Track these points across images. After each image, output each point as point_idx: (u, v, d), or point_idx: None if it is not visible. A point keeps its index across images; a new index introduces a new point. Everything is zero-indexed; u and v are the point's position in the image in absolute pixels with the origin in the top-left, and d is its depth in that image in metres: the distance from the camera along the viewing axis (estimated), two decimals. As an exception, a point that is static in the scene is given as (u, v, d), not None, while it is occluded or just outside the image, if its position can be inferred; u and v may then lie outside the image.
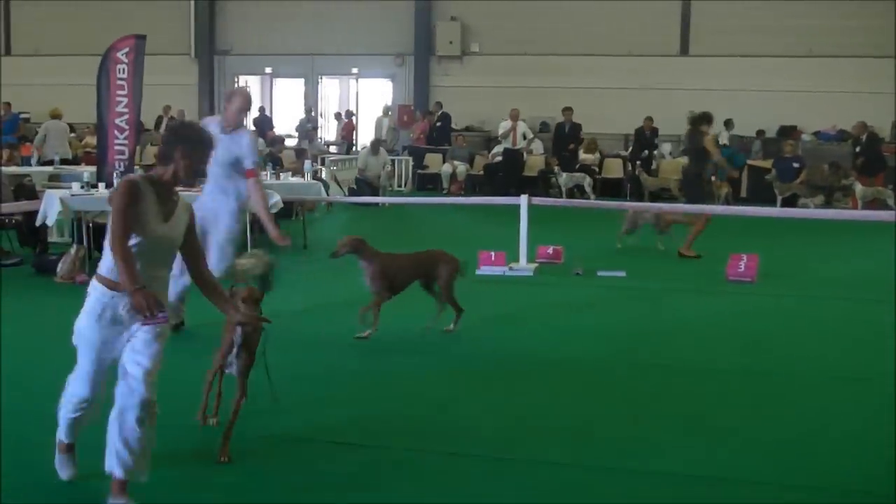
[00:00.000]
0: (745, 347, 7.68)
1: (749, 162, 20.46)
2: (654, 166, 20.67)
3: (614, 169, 21.38)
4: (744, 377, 6.77)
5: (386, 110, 24.52)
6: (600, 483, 4.73)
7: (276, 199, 11.30)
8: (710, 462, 5.03)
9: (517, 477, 4.78)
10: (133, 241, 4.04)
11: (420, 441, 5.22)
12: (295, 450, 5.07)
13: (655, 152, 21.11)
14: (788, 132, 21.33)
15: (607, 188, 20.57)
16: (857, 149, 19.27)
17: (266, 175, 13.17)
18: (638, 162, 20.48)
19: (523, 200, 11.31)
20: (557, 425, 5.61)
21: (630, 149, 21.58)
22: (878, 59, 21.81)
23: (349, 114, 25.59)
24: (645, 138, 21.07)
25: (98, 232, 11.52)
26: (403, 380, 6.51)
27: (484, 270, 10.66)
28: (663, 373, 6.80)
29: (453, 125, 23.21)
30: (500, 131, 20.87)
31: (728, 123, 21.22)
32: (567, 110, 20.91)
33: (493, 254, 10.83)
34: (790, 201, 18.66)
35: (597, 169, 21.06)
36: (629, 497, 4.60)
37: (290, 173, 14.80)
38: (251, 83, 27.20)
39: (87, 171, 12.39)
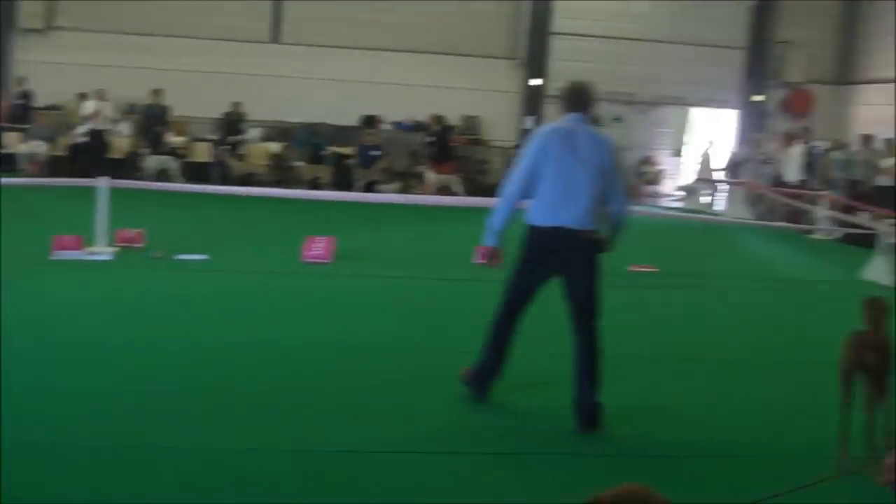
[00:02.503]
0: (329, 324, 8.25)
1: (331, 148, 21.35)
2: (242, 151, 21.00)
3: (202, 152, 21.40)
4: (339, 350, 7.29)
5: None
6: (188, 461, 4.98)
7: None
8: (312, 434, 5.45)
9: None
10: None
11: None
12: None
13: (242, 137, 21.43)
14: (370, 121, 22.51)
15: (195, 172, 20.54)
16: (431, 139, 20.86)
17: None
18: (226, 146, 20.70)
19: (102, 182, 11.17)
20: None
21: (219, 133, 21.72)
22: (454, 56, 23.69)
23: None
24: (231, 123, 21.33)
25: None
26: None
27: (59, 255, 10.44)
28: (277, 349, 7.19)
29: (36, 103, 22.00)
30: (85, 111, 20.20)
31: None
32: (156, 92, 20.65)
33: (68, 237, 10.63)
34: (369, 187, 19.77)
35: (185, 152, 20.99)
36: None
37: None
38: None
39: None
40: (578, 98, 5.98)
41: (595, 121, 6.07)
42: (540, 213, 5.83)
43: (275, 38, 23.91)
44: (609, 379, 5.89)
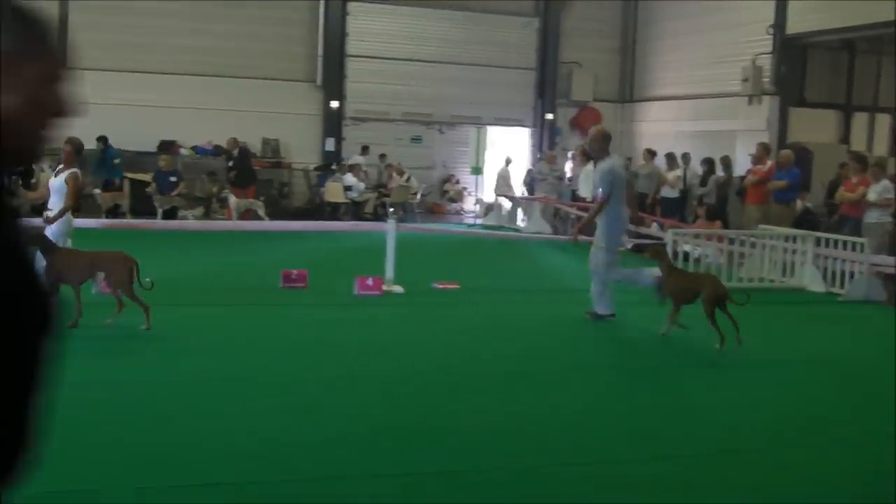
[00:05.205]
0: (163, 360, 8.05)
1: (128, 175, 20.81)
2: (33, 180, 20.17)
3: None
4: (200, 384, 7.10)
5: None
6: None
7: None
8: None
9: None
10: None
11: None
12: None
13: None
14: (168, 147, 22.07)
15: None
16: (231, 163, 20.64)
17: None
18: (14, 176, 19.81)
19: None
20: None
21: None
22: (253, 79, 23.55)
23: None
24: None
25: None
26: None
27: None
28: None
29: None
30: None
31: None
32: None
33: None
34: (171, 213, 19.36)
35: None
36: None
37: None
38: None
39: None
40: None
41: None
42: None
43: (63, 62, 23.06)
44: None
